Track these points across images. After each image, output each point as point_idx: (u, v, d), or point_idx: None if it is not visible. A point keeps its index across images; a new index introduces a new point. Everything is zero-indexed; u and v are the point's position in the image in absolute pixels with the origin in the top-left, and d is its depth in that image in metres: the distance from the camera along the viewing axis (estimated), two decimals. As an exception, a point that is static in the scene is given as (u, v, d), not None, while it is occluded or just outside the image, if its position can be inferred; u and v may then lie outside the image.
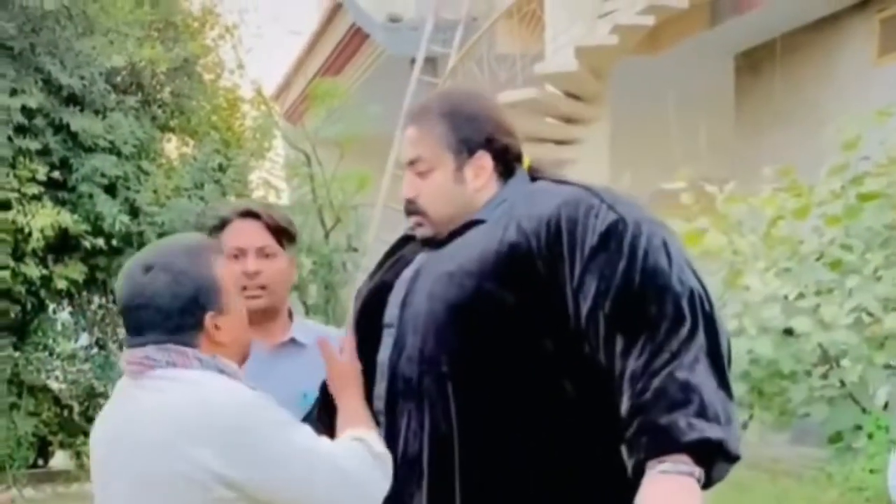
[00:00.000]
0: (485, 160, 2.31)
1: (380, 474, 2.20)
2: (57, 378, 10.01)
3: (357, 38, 13.50)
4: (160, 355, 2.13)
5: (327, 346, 2.41)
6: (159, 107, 10.42)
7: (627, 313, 2.02)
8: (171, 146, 10.97)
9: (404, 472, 2.22)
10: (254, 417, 2.08)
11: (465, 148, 2.30)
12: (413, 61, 12.54)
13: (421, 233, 2.36)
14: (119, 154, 9.26)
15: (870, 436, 5.67)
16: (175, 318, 2.14)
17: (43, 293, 9.22)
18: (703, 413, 1.93)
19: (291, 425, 2.14)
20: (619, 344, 2.02)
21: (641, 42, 10.32)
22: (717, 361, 2.01)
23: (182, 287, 2.14)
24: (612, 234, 2.07)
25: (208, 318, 2.16)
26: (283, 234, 2.88)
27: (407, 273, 2.34)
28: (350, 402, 2.35)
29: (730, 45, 10.80)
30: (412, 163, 2.34)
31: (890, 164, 5.75)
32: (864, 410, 5.75)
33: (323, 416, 2.49)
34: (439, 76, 12.34)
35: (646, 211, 2.16)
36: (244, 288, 2.78)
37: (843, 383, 5.79)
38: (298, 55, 15.83)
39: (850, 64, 9.50)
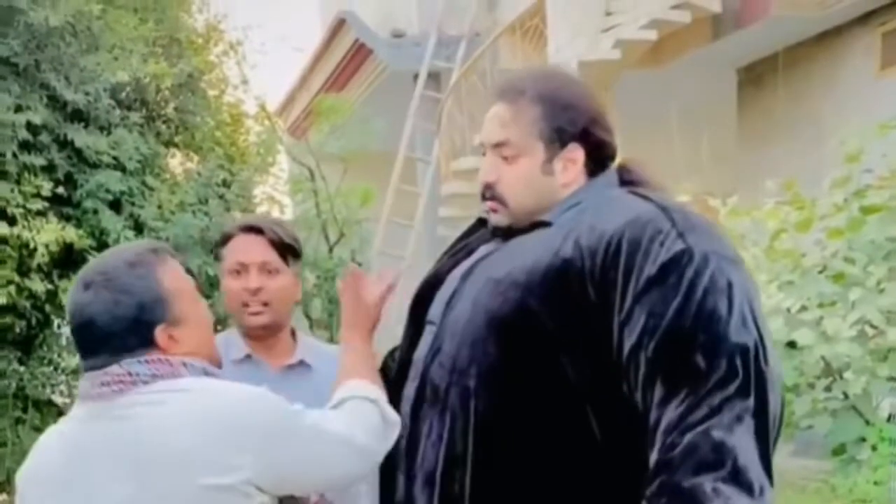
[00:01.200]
0: (577, 154, 2.14)
1: (387, 443, 2.13)
2: (62, 392, 10.00)
3: (360, 53, 13.54)
4: (142, 369, 2.00)
5: (355, 276, 2.30)
6: (164, 122, 10.45)
7: (672, 360, 1.83)
8: (176, 162, 10.98)
9: (421, 482, 2.11)
10: (279, 413, 2.01)
11: (559, 138, 2.13)
12: (416, 76, 12.58)
13: (495, 220, 2.20)
14: (124, 170, 9.27)
15: (873, 448, 5.67)
16: (119, 338, 2.00)
17: (48, 308, 9.22)
18: (734, 479, 1.74)
19: (302, 410, 2.06)
20: (658, 392, 1.83)
21: (644, 56, 10.35)
22: (763, 427, 1.79)
23: (122, 307, 2.00)
24: (674, 267, 1.86)
25: (159, 333, 2.02)
26: (287, 250, 2.84)
27: (460, 268, 2.21)
28: (360, 347, 2.27)
29: (732, 59, 10.82)
30: (498, 145, 2.16)
31: (892, 176, 5.77)
32: (867, 422, 5.75)
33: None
34: (442, 91, 12.38)
35: (720, 242, 1.94)
36: (245, 304, 2.80)
37: (846, 395, 5.79)
38: (302, 71, 15.87)
39: (851, 77, 9.52)
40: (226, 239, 2.90)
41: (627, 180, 2.17)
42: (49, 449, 2.10)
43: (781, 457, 7.49)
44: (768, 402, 1.81)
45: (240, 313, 2.84)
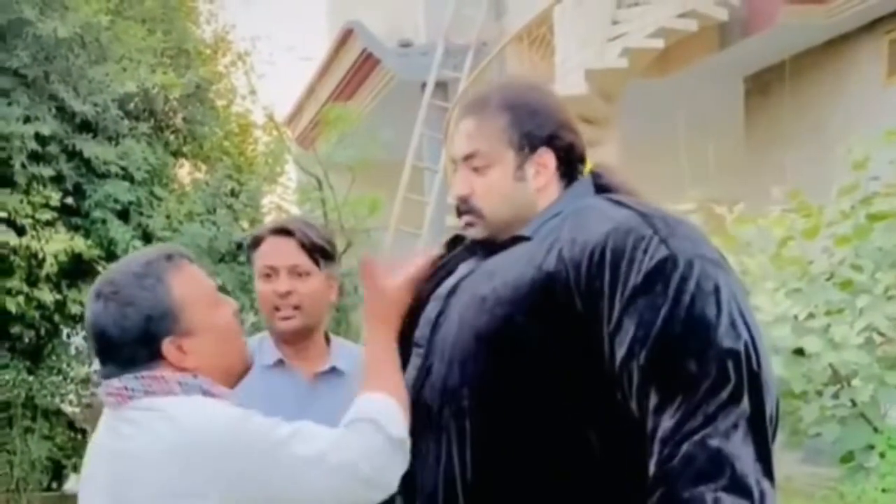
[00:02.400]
0: (547, 158, 2.11)
1: (396, 461, 2.02)
2: (71, 402, 10.04)
3: (368, 63, 13.56)
4: (137, 384, 1.97)
5: (372, 266, 2.21)
6: (172, 133, 10.50)
7: (664, 367, 1.81)
8: (184, 172, 11.04)
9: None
10: (259, 442, 1.91)
11: (527, 144, 2.10)
12: (424, 86, 12.59)
13: (472, 233, 2.17)
14: (132, 180, 9.32)
15: (881, 455, 5.65)
16: (125, 350, 1.98)
17: (57, 318, 9.26)
18: (733, 488, 1.73)
19: (290, 437, 1.95)
20: (653, 400, 1.81)
21: (651, 65, 10.36)
22: (759, 430, 1.78)
23: (128, 319, 1.96)
24: (659, 274, 1.84)
25: (167, 345, 1.98)
26: (318, 252, 2.80)
27: (443, 288, 2.16)
28: (382, 339, 2.16)
29: (739, 68, 10.83)
30: (468, 158, 2.13)
31: (899, 184, 5.76)
32: (875, 430, 5.74)
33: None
34: (450, 100, 12.39)
35: (704, 246, 1.92)
36: (276, 308, 2.77)
37: (854, 403, 5.78)
38: (310, 81, 15.89)
39: (858, 85, 9.52)
40: (256, 242, 2.86)
41: (601, 185, 2.16)
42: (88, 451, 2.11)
43: (790, 464, 7.48)
44: (763, 403, 1.80)
45: (271, 317, 2.80)
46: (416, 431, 2.07)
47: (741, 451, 1.75)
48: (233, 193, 10.15)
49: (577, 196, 2.12)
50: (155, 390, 1.96)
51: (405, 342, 2.18)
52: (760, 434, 1.79)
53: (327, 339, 2.93)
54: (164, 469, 1.86)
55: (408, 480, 2.07)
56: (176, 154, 10.53)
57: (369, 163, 10.26)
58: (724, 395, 1.76)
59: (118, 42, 9.46)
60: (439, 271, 2.26)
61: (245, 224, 10.22)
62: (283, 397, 2.73)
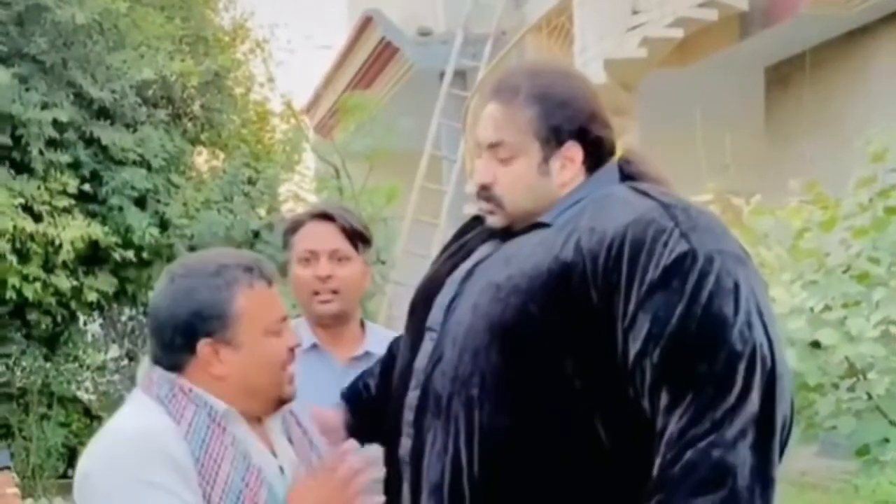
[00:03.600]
0: (574, 152, 2.05)
1: None
2: (87, 389, 10.09)
3: (387, 52, 13.54)
4: (162, 377, 2.00)
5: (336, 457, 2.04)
6: (189, 120, 10.51)
7: (677, 366, 1.77)
8: (201, 159, 11.06)
9: (427, 494, 2.03)
10: (103, 474, 1.88)
11: (555, 137, 2.04)
12: (443, 75, 12.56)
13: (492, 222, 2.12)
14: (149, 167, 9.35)
15: (898, 449, 5.62)
16: (167, 334, 1.99)
17: (73, 305, 9.31)
18: (732, 501, 1.70)
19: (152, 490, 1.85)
20: (664, 399, 1.78)
21: (670, 55, 10.30)
22: (768, 437, 1.75)
23: (180, 305, 1.97)
24: (678, 270, 1.80)
25: (204, 345, 1.97)
26: (358, 238, 2.80)
27: (459, 271, 2.12)
28: None
29: (759, 58, 10.75)
30: (493, 146, 2.08)
31: (918, 176, 5.70)
32: (891, 423, 5.70)
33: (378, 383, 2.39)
34: (469, 90, 12.36)
35: (726, 240, 1.88)
36: (316, 292, 2.77)
37: (870, 396, 5.74)
38: (328, 69, 15.89)
39: (879, 76, 9.44)
40: (296, 226, 2.86)
41: (628, 173, 2.10)
42: None
43: (805, 457, 7.46)
44: (775, 409, 1.76)
45: (309, 302, 2.81)
46: (424, 419, 2.04)
47: (746, 461, 1.71)
48: (250, 181, 10.15)
49: (600, 183, 2.07)
50: (145, 386, 2.01)
51: (419, 326, 2.15)
52: (768, 442, 1.75)
53: (362, 325, 2.94)
54: (92, 465, 1.92)
55: (414, 468, 2.05)
56: (193, 141, 10.55)
57: (387, 152, 10.24)
58: (731, 398, 1.73)
59: (136, 29, 9.48)
60: (457, 253, 2.23)
61: (262, 212, 10.23)
62: (318, 381, 2.68)
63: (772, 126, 11.06)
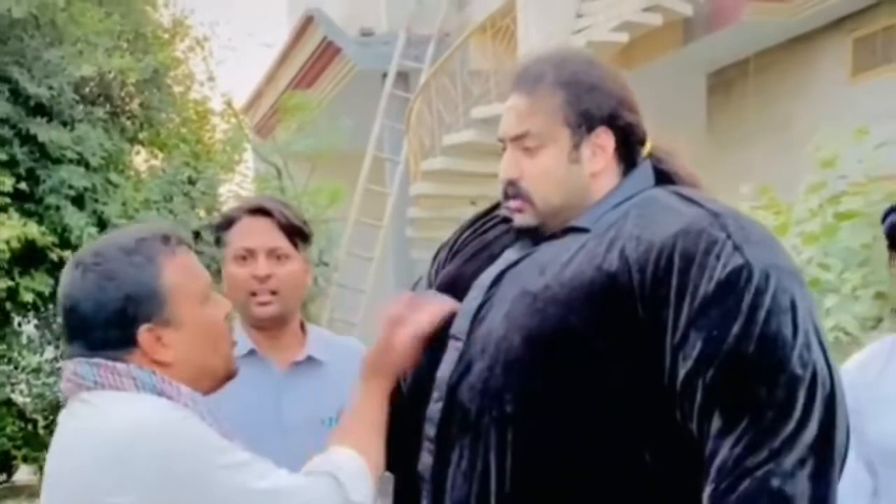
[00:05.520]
0: (605, 139, 1.95)
1: None
2: (22, 392, 9.89)
3: (329, 51, 13.44)
4: (89, 372, 1.79)
5: (393, 316, 2.01)
6: (128, 118, 10.35)
7: (732, 389, 1.66)
8: (140, 158, 10.90)
9: None
10: (191, 454, 1.70)
11: (585, 122, 1.93)
12: (385, 76, 12.50)
13: (520, 220, 1.98)
14: (87, 166, 9.18)
15: (846, 455, 5.65)
16: (98, 330, 1.79)
17: (8, 305, 9.12)
18: None
19: (242, 465, 1.75)
20: (716, 423, 1.66)
21: (615, 59, 10.29)
22: (827, 465, 1.64)
23: (106, 294, 1.78)
24: (733, 285, 1.68)
25: (143, 332, 1.79)
26: (297, 234, 2.63)
27: (487, 276, 1.99)
28: (376, 395, 1.98)
29: (703, 63, 10.79)
30: (518, 138, 1.96)
31: (867, 182, 5.73)
32: (841, 430, 5.73)
33: None
34: (411, 91, 12.31)
35: (780, 254, 1.78)
36: (253, 293, 2.58)
37: (820, 402, 5.76)
38: (269, 68, 15.76)
39: (823, 82, 9.51)
40: (230, 222, 2.66)
41: (662, 172, 2.01)
42: None
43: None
44: (835, 436, 1.65)
45: (245, 303, 2.62)
46: (448, 434, 1.91)
47: (805, 492, 1.62)
48: (190, 181, 10.02)
49: (637, 184, 1.97)
50: (105, 382, 1.78)
51: (439, 331, 2.00)
52: (828, 469, 1.64)
53: (302, 328, 2.76)
54: (89, 468, 1.69)
55: (435, 485, 1.92)
56: (132, 140, 10.39)
57: (329, 153, 10.17)
58: (793, 425, 1.62)
59: (74, 24, 9.31)
60: (481, 252, 2.10)
61: (202, 212, 10.11)
62: (256, 389, 2.57)
63: (714, 131, 11.12)
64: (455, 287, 2.05)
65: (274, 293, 2.60)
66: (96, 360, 1.79)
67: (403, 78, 12.77)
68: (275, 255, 2.60)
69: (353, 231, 11.81)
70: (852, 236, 5.51)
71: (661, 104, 10.13)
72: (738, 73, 10.56)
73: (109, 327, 1.79)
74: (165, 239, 1.87)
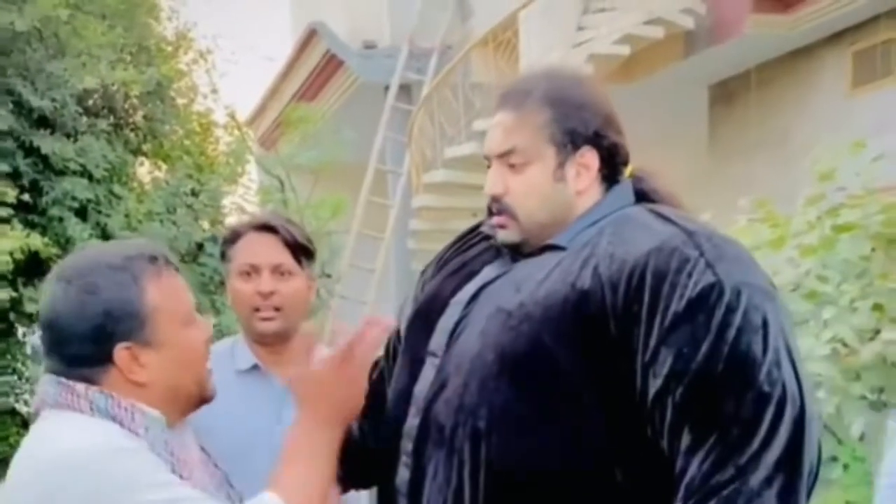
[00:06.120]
0: (590, 158, 1.94)
1: None
2: (25, 402, 9.91)
3: (332, 64, 13.46)
4: (52, 391, 1.77)
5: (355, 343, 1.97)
6: (132, 130, 10.40)
7: (700, 406, 1.66)
8: (144, 170, 10.96)
9: None
10: (110, 495, 1.62)
11: (570, 141, 1.93)
12: (388, 88, 12.51)
13: (504, 237, 1.98)
14: (90, 177, 9.22)
15: (845, 467, 5.64)
16: (74, 345, 1.76)
17: (12, 316, 9.15)
18: None
19: (168, 502, 1.66)
20: (686, 440, 1.67)
21: (616, 71, 10.33)
22: (795, 481, 1.64)
23: (86, 309, 1.75)
24: (703, 303, 1.68)
25: (121, 350, 1.76)
26: (301, 252, 2.65)
27: (464, 293, 1.99)
28: (315, 429, 1.91)
29: (704, 76, 10.82)
30: (504, 154, 1.96)
31: (865, 195, 5.74)
32: (839, 442, 5.72)
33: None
34: (414, 103, 12.32)
35: (753, 272, 1.76)
36: (256, 309, 2.60)
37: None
38: (273, 81, 15.79)
39: (823, 95, 9.54)
40: (235, 237, 2.69)
41: (641, 191, 2.00)
42: None
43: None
44: (803, 453, 1.64)
45: (249, 319, 2.65)
46: (424, 449, 1.92)
47: None
48: (193, 193, 10.06)
49: (616, 202, 1.97)
50: (64, 402, 1.75)
51: (418, 349, 2.02)
52: (796, 489, 1.64)
53: None
54: (26, 490, 1.67)
55: (411, 499, 1.93)
56: (136, 152, 10.44)
57: (332, 165, 10.18)
58: (758, 442, 1.62)
59: (77, 37, 9.35)
60: (461, 269, 2.10)
61: (206, 224, 10.15)
62: (258, 403, 2.61)
63: (716, 143, 11.14)
64: (434, 303, 2.05)
65: (277, 309, 2.62)
66: (61, 379, 1.77)
67: (406, 90, 12.78)
68: (279, 271, 2.62)
69: (355, 243, 11.82)
70: (851, 248, 5.52)
71: (663, 117, 10.22)
72: (740, 85, 10.58)
73: (85, 342, 1.76)
74: (153, 259, 1.85)
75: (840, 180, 5.89)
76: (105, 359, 1.77)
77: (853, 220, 5.59)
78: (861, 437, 5.71)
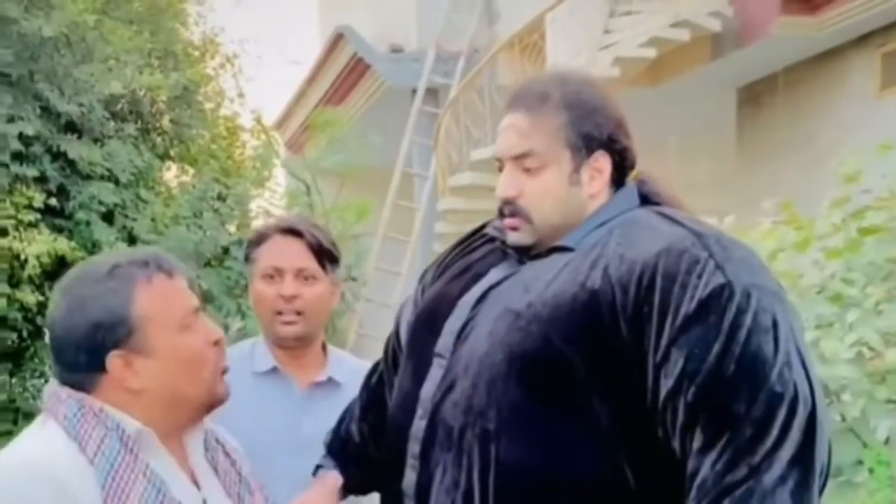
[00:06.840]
0: (603, 162, 1.96)
1: None
2: (52, 406, 9.96)
3: (358, 68, 13.49)
4: (47, 395, 1.80)
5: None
6: (158, 135, 10.43)
7: (712, 406, 1.68)
8: (170, 174, 10.99)
9: None
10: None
11: (585, 145, 1.94)
12: (414, 92, 12.52)
13: (515, 239, 1.98)
14: (117, 182, 9.25)
15: (870, 471, 5.59)
16: (69, 354, 1.78)
17: (39, 320, 9.18)
18: None
19: None
20: (698, 440, 1.68)
21: (643, 74, 10.31)
22: (808, 480, 1.65)
23: (74, 320, 1.77)
24: (713, 304, 1.70)
25: (113, 358, 1.77)
26: (326, 257, 2.65)
27: (471, 295, 1.99)
28: None
29: (731, 79, 10.78)
30: (519, 157, 1.95)
31: (891, 197, 5.68)
32: (865, 445, 5.67)
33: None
34: (440, 107, 12.33)
35: (762, 274, 1.79)
36: (278, 312, 2.61)
37: (843, 418, 5.71)
38: (299, 85, 15.84)
39: (851, 97, 9.48)
40: (260, 239, 2.69)
41: (645, 194, 2.01)
42: None
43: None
44: (815, 452, 1.67)
45: (271, 321, 2.65)
46: (432, 452, 1.91)
47: None
48: (220, 197, 10.07)
49: (622, 205, 1.98)
50: (51, 409, 1.78)
51: (423, 351, 2.01)
52: (809, 488, 1.66)
53: (324, 349, 2.78)
54: None
55: (420, 501, 1.92)
56: (162, 156, 10.47)
57: (358, 168, 10.19)
58: (769, 441, 1.64)
59: (104, 42, 9.39)
60: (466, 272, 2.09)
61: (232, 228, 10.16)
62: (277, 406, 2.62)
63: (743, 146, 11.09)
64: (439, 306, 2.04)
65: (299, 313, 2.62)
66: (56, 386, 1.80)
67: (433, 94, 12.79)
68: (302, 275, 2.62)
69: (381, 246, 11.83)
70: (876, 251, 5.47)
71: (691, 119, 10.23)
72: (768, 87, 10.53)
73: (79, 352, 1.78)
74: (144, 264, 1.85)
75: (866, 182, 5.85)
76: (99, 367, 1.78)
77: (879, 222, 5.54)
78: (886, 441, 5.67)
